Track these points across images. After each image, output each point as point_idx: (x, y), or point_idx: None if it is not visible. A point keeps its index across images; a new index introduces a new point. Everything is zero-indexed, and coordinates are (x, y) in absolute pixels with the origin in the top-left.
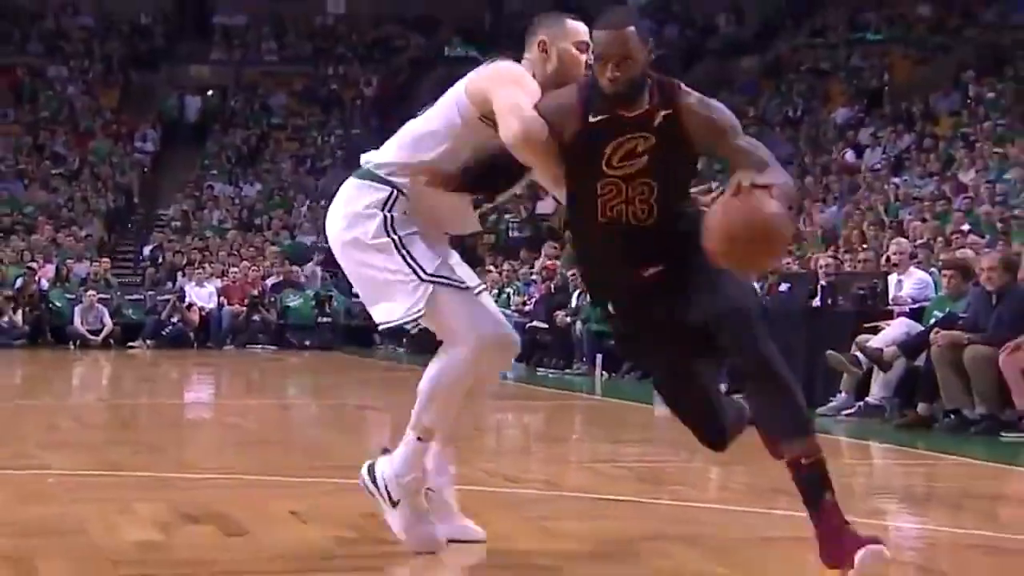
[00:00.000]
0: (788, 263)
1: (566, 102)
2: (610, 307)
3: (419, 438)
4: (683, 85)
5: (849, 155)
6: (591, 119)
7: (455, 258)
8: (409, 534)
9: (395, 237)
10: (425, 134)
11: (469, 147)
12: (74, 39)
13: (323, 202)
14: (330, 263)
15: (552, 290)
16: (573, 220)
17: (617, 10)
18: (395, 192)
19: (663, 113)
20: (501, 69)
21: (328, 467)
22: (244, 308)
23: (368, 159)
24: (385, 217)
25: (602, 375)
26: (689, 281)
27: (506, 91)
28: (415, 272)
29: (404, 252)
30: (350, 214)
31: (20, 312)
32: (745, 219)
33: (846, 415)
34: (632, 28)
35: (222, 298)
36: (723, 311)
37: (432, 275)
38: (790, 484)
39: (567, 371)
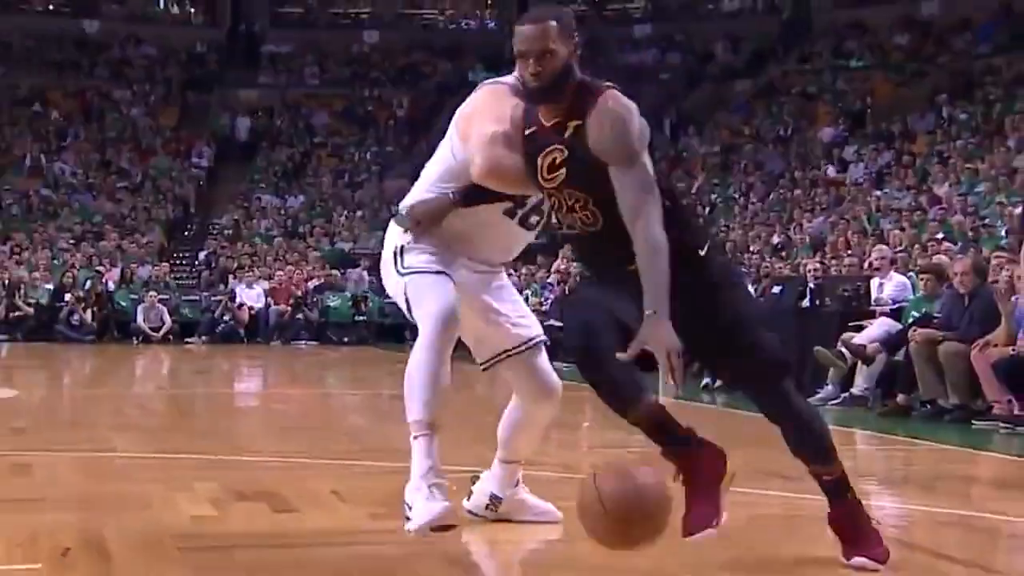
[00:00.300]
0: (780, 267)
1: (513, 119)
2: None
3: (414, 436)
4: (606, 89)
5: (834, 170)
6: (526, 132)
7: (456, 261)
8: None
9: (397, 248)
10: (434, 175)
11: (468, 177)
12: (137, 66)
13: (360, 212)
14: (375, 269)
15: (567, 291)
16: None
17: (541, 6)
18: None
19: (573, 125)
20: (477, 101)
21: (364, 451)
22: (289, 308)
23: (402, 204)
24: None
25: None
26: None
27: (479, 127)
28: (398, 272)
29: (399, 259)
30: (388, 256)
31: (89, 311)
32: (624, 515)
33: (832, 405)
34: (554, 22)
35: (269, 299)
36: (732, 350)
37: (405, 268)
38: (782, 468)
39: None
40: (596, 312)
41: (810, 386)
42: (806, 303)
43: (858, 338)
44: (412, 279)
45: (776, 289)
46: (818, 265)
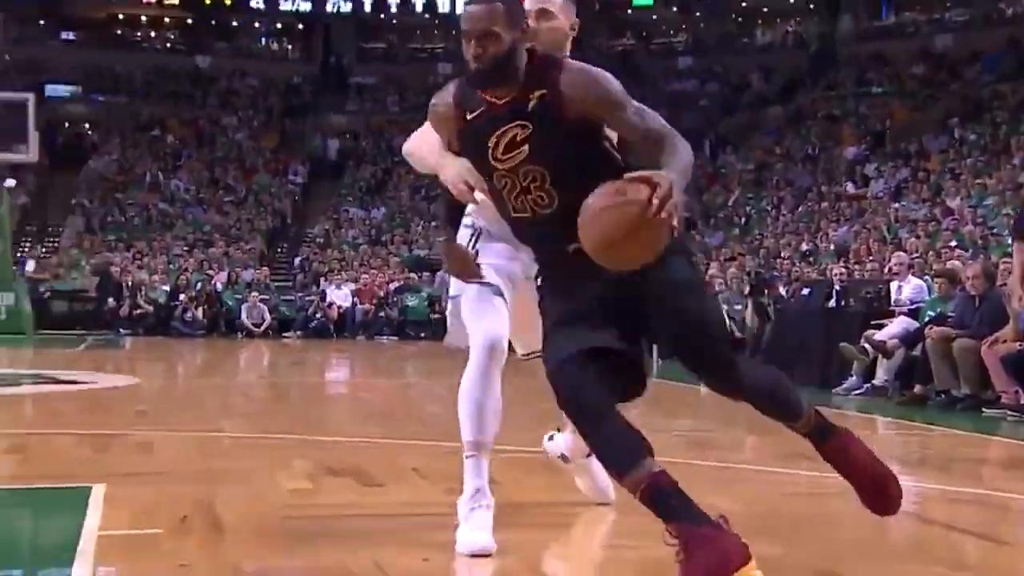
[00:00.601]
0: (808, 272)
1: (443, 105)
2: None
3: (465, 456)
4: (565, 59)
5: (857, 185)
6: (468, 117)
7: (508, 267)
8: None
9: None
10: None
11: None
12: (242, 96)
13: (434, 222)
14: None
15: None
16: (503, 217)
17: None
18: (476, 230)
19: (537, 94)
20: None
21: (440, 434)
22: (372, 307)
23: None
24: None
25: (657, 361)
26: (640, 286)
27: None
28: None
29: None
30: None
31: (200, 309)
32: (618, 222)
33: (856, 395)
34: (500, 5)
35: (355, 299)
36: (694, 335)
37: (455, 293)
38: (806, 449)
39: None
40: (576, 365)
41: (836, 377)
42: (832, 304)
43: (879, 335)
44: (467, 293)
45: (805, 291)
46: (843, 270)
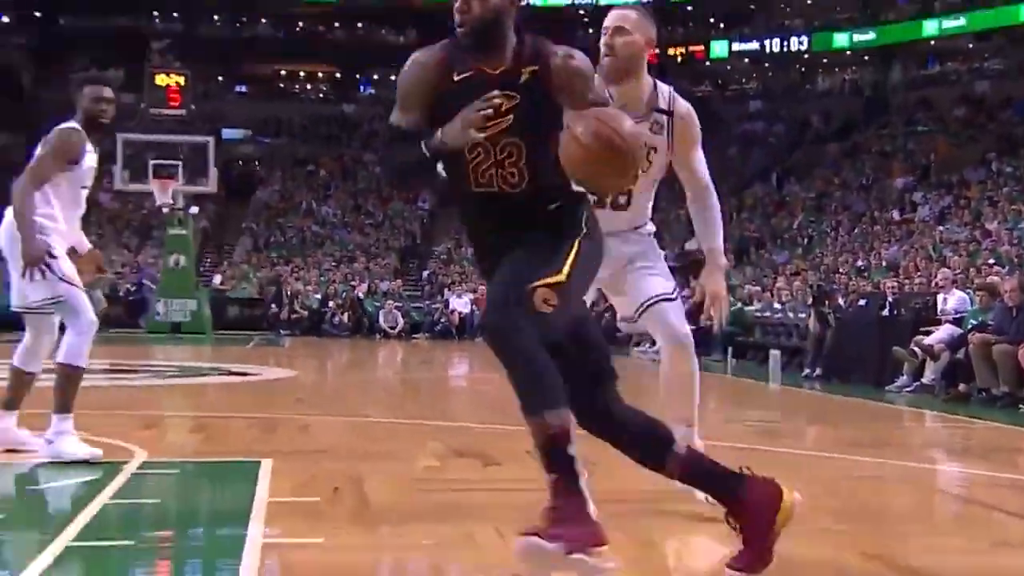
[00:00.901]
0: (863, 285)
1: (431, 60)
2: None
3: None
4: (552, 43)
5: (905, 211)
6: (455, 77)
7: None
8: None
9: None
10: None
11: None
12: (381, 137)
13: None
14: None
15: (697, 300)
16: (453, 191)
17: None
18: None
19: (529, 69)
20: None
21: None
22: None
23: None
24: None
25: (732, 361)
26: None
27: None
28: None
29: None
30: None
31: (345, 315)
32: (599, 139)
33: (907, 392)
34: None
35: (474, 306)
36: (594, 335)
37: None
38: (869, 438)
39: (707, 358)
40: (560, 376)
41: (889, 377)
42: (885, 313)
43: (927, 340)
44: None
45: (862, 302)
46: (894, 284)
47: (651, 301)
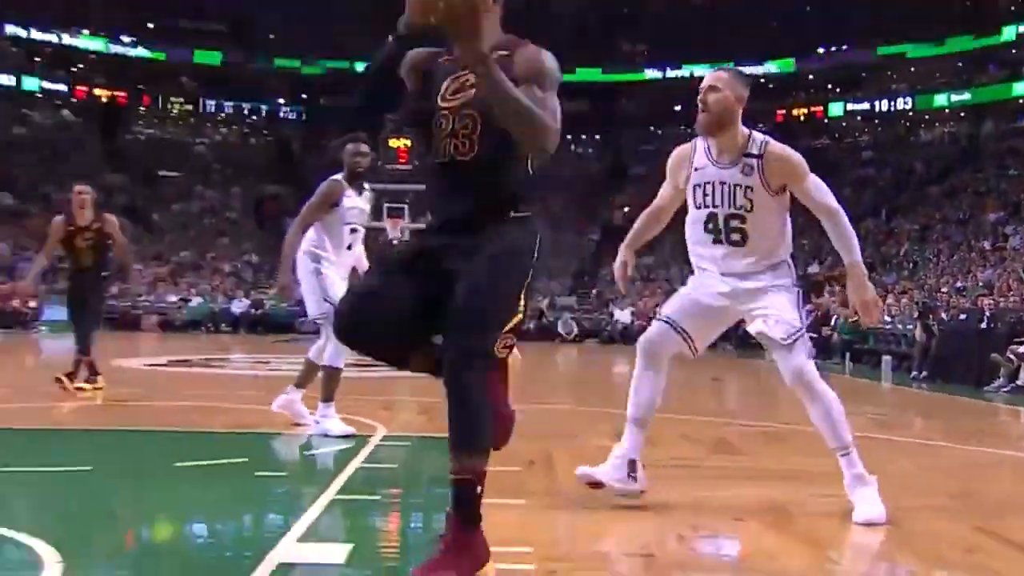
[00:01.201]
0: (963, 303)
1: (432, 49)
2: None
3: (841, 455)
4: (524, 41)
5: (998, 241)
6: (439, 60)
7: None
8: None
9: None
10: None
11: None
12: (556, 179)
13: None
14: None
15: (819, 315)
16: (424, 167)
17: None
18: None
19: (500, 54)
20: None
21: (697, 411)
22: (646, 323)
23: None
24: None
25: (850, 364)
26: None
27: None
28: None
29: None
30: None
31: (533, 323)
32: None
33: (1004, 392)
34: None
35: (634, 317)
36: (465, 306)
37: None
38: (973, 430)
39: (827, 362)
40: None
41: (987, 380)
42: (984, 325)
43: (1022, 348)
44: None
45: (962, 316)
46: (991, 301)
47: (770, 344)
